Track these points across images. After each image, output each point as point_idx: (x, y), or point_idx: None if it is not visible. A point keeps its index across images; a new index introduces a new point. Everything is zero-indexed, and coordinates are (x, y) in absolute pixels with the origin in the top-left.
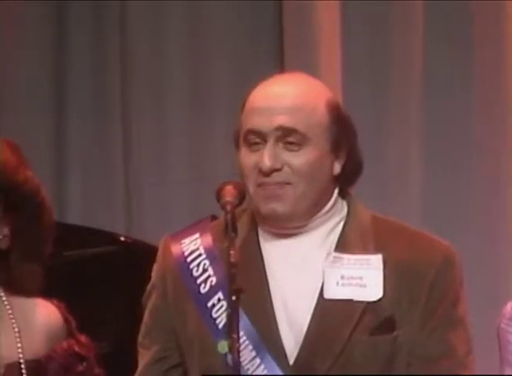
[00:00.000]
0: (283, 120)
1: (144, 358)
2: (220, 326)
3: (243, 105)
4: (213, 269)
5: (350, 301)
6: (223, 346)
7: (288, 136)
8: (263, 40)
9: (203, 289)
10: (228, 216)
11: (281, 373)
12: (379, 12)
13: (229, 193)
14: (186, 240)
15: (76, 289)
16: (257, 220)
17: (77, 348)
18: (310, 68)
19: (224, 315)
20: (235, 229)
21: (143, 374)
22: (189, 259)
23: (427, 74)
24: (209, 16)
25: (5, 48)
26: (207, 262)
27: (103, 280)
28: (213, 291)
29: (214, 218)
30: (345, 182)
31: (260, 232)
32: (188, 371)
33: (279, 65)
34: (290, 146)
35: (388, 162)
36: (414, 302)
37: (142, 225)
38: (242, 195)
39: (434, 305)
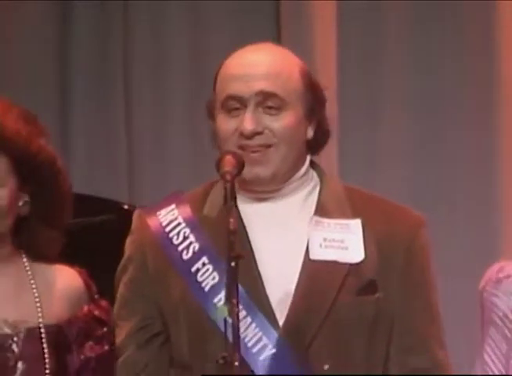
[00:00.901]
0: (263, 85)
1: (123, 329)
2: (206, 289)
3: (216, 76)
4: (194, 236)
5: (334, 262)
6: (223, 310)
7: (268, 101)
8: (261, 32)
9: (186, 255)
10: (228, 185)
11: (273, 330)
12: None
13: (229, 163)
14: (162, 212)
15: (80, 255)
16: (231, 181)
17: (97, 313)
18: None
19: (210, 278)
20: (234, 198)
21: (125, 343)
22: (167, 229)
23: (418, 61)
24: (208, 9)
25: (11, 32)
26: (187, 230)
27: (107, 246)
28: (196, 256)
29: (181, 193)
30: (314, 148)
31: (238, 198)
32: (171, 338)
33: None
34: (270, 110)
35: (380, 144)
36: (392, 268)
37: (144, 195)
38: (241, 165)
39: (411, 271)
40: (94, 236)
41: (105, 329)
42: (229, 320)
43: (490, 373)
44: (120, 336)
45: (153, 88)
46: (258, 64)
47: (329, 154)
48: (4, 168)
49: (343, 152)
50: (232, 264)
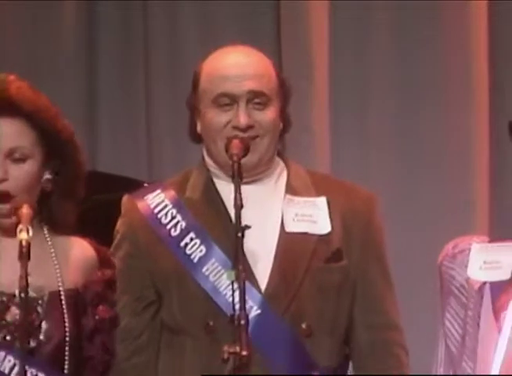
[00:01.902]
0: (252, 85)
1: (121, 300)
2: (195, 260)
3: (198, 76)
4: (181, 215)
5: (305, 233)
6: (230, 275)
7: (256, 98)
8: (263, 29)
9: (174, 232)
10: (235, 165)
11: (257, 293)
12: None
13: (236, 146)
14: (149, 196)
15: (104, 226)
16: (221, 172)
17: (110, 274)
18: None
19: (198, 251)
20: (241, 176)
21: (123, 312)
22: (155, 210)
23: (402, 56)
24: (216, 6)
25: (47, 28)
26: (174, 210)
27: None
28: (184, 232)
29: (161, 181)
30: (280, 137)
31: (217, 183)
32: (164, 305)
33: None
34: (257, 106)
35: (369, 128)
36: (354, 239)
37: (162, 174)
38: (247, 148)
39: (369, 240)
40: (117, 209)
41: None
42: (235, 284)
43: (450, 336)
44: (119, 306)
45: (170, 77)
46: (247, 65)
47: (323, 138)
48: (32, 141)
49: (335, 137)
50: (239, 234)
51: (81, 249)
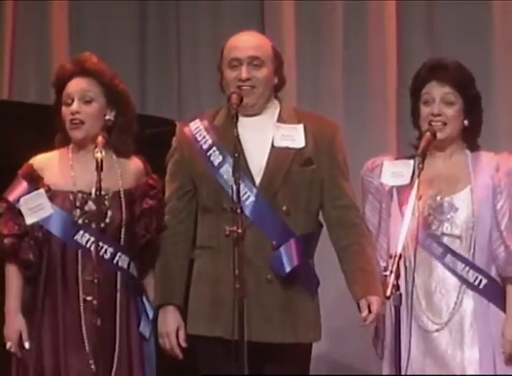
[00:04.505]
0: (252, 52)
1: (169, 188)
2: (215, 164)
3: (223, 49)
4: (209, 135)
5: (287, 148)
6: (231, 181)
7: (254, 61)
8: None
9: (204, 146)
10: (234, 110)
11: (253, 187)
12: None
13: (234, 97)
14: (191, 123)
15: (152, 150)
16: (235, 108)
17: (150, 181)
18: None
19: (217, 159)
20: (237, 117)
21: (170, 197)
22: (194, 132)
23: (348, 51)
24: (222, 8)
25: (108, 23)
26: (205, 132)
27: (164, 145)
28: (209, 146)
29: (202, 112)
30: (277, 88)
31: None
32: (200, 193)
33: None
34: (255, 66)
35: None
36: (322, 150)
37: (187, 116)
38: (241, 99)
39: (333, 151)
40: (158, 138)
41: (155, 191)
42: (234, 186)
43: (368, 221)
44: (167, 193)
45: (192, 53)
46: (249, 41)
47: (290, 93)
48: (96, 90)
49: (300, 92)
50: (236, 155)
51: (134, 163)
